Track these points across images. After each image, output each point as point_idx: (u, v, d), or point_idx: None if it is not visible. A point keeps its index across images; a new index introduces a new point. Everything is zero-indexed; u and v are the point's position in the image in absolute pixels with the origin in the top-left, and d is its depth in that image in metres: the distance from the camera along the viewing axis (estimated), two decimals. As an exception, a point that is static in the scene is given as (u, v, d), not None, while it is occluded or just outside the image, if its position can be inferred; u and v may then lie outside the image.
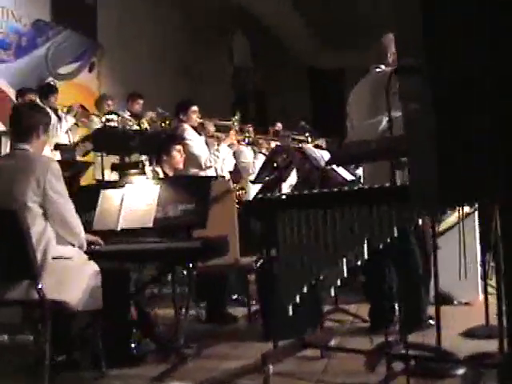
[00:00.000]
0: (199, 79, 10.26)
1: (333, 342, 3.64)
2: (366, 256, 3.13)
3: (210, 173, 5.43)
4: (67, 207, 3.23)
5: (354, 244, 3.07)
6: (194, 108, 5.63)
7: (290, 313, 3.15)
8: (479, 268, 4.91)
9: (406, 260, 3.85)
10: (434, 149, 2.01)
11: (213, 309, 4.57)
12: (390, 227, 3.04)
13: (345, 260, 3.13)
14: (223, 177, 5.11)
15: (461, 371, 3.11)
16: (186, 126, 5.57)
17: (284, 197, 3.13)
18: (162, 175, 4.64)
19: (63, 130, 5.95)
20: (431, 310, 4.28)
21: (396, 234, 3.06)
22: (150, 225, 3.70)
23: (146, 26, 9.34)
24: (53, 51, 7.62)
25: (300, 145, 5.32)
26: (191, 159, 5.35)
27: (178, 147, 4.75)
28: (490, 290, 5.24)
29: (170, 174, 4.74)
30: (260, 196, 3.24)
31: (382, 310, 3.99)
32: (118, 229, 3.74)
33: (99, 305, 3.27)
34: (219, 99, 10.48)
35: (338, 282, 3.21)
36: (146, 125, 6.33)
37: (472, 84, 1.93)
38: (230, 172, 6.14)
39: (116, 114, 6.04)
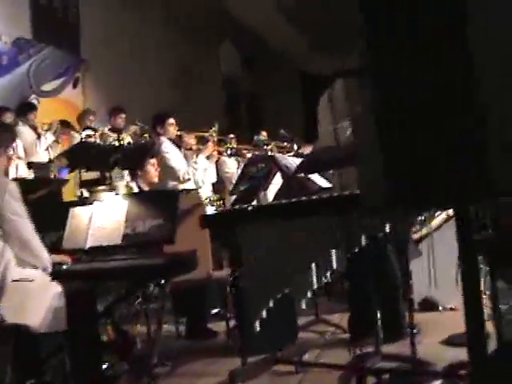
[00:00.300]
0: (189, 87, 10.16)
1: (307, 356, 3.53)
2: (334, 266, 3.06)
3: (189, 185, 5.35)
4: (26, 228, 3.16)
5: (321, 255, 2.99)
6: (171, 120, 5.56)
7: (257, 328, 3.05)
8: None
9: (381, 267, 3.75)
10: (378, 151, 1.93)
11: (193, 324, 4.48)
12: (358, 236, 2.96)
13: (314, 271, 3.06)
14: (195, 189, 5.02)
15: (436, 383, 3.02)
16: (163, 138, 5.49)
17: (243, 209, 3.04)
18: (136, 190, 4.56)
19: (43, 148, 5.89)
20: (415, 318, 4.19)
21: (364, 243, 2.99)
22: (119, 242, 3.63)
23: (132, 39, 9.26)
24: (35, 68, 7.57)
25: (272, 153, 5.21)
26: (169, 172, 5.28)
27: (152, 161, 4.67)
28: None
29: (146, 188, 4.67)
30: (219, 209, 3.15)
31: (362, 319, 3.89)
32: (86, 247, 3.67)
33: (63, 326, 3.18)
34: (212, 105, 10.38)
35: (309, 295, 3.13)
36: (127, 139, 6.25)
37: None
38: (213, 183, 6.06)
39: (93, 129, 5.98)
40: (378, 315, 3.87)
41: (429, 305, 4.55)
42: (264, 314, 3.02)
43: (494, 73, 1.81)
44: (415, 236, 4.78)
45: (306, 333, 4.25)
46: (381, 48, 1.94)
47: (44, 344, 3.43)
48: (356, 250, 3.07)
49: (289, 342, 3.79)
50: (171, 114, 5.58)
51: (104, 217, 3.74)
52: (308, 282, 3.06)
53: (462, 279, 2.22)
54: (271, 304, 3.01)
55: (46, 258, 3.28)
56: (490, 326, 3.31)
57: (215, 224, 3.17)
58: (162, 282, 3.82)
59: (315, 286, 3.09)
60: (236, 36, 10.81)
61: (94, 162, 5.44)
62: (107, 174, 5.64)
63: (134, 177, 4.65)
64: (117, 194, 3.92)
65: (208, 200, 4.93)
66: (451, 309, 4.63)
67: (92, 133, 5.76)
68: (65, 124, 6.56)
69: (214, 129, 5.92)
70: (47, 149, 5.90)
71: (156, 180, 4.67)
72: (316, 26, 11.88)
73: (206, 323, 4.51)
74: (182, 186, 5.24)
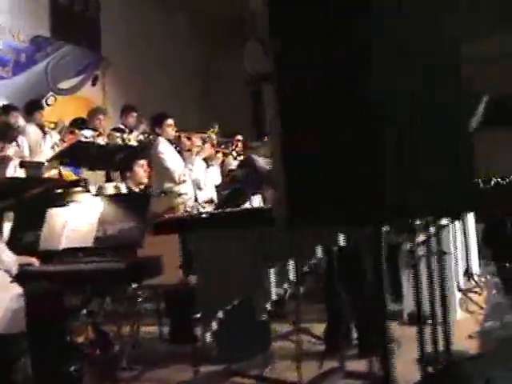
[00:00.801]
0: (210, 84, 10.09)
1: (268, 370, 3.44)
2: (292, 277, 2.98)
3: (185, 187, 5.31)
4: (-17, 232, 3.17)
5: (274, 266, 2.90)
6: (170, 121, 5.51)
7: (208, 339, 2.99)
8: (455, 284, 4.62)
9: (354, 277, 3.62)
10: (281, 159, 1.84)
11: (176, 328, 4.43)
12: (312, 247, 2.87)
13: (272, 282, 2.97)
14: (174, 192, 4.96)
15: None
16: (160, 139, 5.46)
17: (192, 217, 2.97)
18: (125, 191, 4.55)
19: (47, 146, 5.92)
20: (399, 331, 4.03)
21: (320, 254, 2.90)
22: (90, 244, 3.62)
23: (153, 35, 9.25)
24: (53, 66, 7.65)
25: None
26: (165, 173, 5.25)
27: (141, 162, 4.65)
28: (470, 307, 4.95)
29: (136, 189, 4.65)
30: (168, 216, 3.08)
31: (337, 331, 3.78)
32: (60, 248, 3.67)
33: (22, 327, 3.18)
34: (236, 108, 10.30)
35: (268, 306, 3.04)
36: (137, 138, 6.24)
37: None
38: (217, 186, 5.99)
39: (93, 129, 5.98)
40: (350, 328, 3.76)
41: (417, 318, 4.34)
42: (215, 325, 2.96)
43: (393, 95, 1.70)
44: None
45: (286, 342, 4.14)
46: (285, 55, 1.85)
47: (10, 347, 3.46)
48: (313, 262, 2.99)
49: (259, 352, 3.71)
50: (170, 115, 5.54)
51: (79, 219, 3.73)
52: (265, 293, 2.98)
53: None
54: (221, 315, 2.94)
55: (8, 260, 3.29)
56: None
57: (164, 231, 3.10)
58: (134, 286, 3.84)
59: (273, 297, 3.02)
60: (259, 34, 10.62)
61: (97, 161, 5.44)
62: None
63: (123, 178, 4.63)
64: (94, 196, 3.90)
65: (199, 203, 4.88)
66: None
67: (88, 133, 5.74)
68: (80, 122, 6.62)
69: (212, 130, 5.86)
70: (53, 147, 5.92)
71: (145, 181, 4.65)
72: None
73: (189, 327, 4.44)
74: (177, 188, 5.20)
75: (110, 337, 4.01)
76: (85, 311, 4.13)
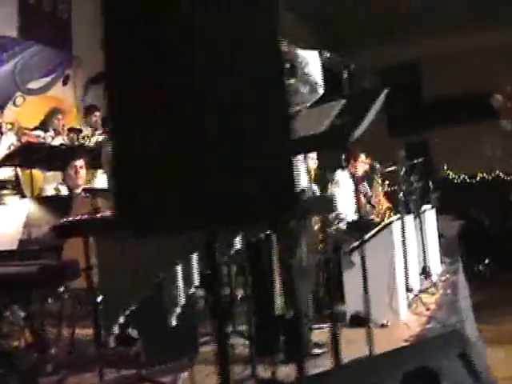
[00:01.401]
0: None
1: (186, 374, 3.39)
2: (197, 282, 2.94)
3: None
4: None
5: (176, 270, 2.86)
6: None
7: (112, 345, 2.96)
8: (399, 286, 4.54)
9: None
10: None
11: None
12: (211, 251, 2.82)
13: (178, 285, 2.94)
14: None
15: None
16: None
17: (92, 218, 2.93)
18: (65, 193, 4.51)
19: (3, 147, 5.89)
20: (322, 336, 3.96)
21: (218, 259, 2.85)
22: (14, 247, 3.61)
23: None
24: (21, 67, 7.58)
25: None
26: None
27: (77, 163, 4.59)
28: (419, 308, 4.87)
29: (77, 190, 4.61)
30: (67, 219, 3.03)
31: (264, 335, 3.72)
32: (-15, 252, 3.65)
33: None
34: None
35: (178, 310, 3.01)
36: (93, 138, 6.21)
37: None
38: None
39: (44, 129, 5.94)
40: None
41: (359, 321, 4.26)
42: (116, 329, 2.92)
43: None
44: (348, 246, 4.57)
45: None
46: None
47: None
48: (212, 266, 2.94)
49: (185, 356, 3.66)
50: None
51: (5, 221, 3.73)
52: (171, 297, 2.95)
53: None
54: (122, 320, 2.90)
55: None
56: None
57: (65, 234, 3.05)
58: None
59: (181, 302, 2.98)
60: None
61: (49, 162, 5.40)
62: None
63: (62, 179, 4.60)
64: (22, 198, 3.88)
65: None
66: (382, 325, 4.38)
67: (41, 134, 5.71)
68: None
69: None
70: (9, 148, 5.89)
71: (80, 182, 4.60)
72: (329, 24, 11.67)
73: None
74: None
75: (46, 340, 4.00)
76: (22, 315, 4.14)
